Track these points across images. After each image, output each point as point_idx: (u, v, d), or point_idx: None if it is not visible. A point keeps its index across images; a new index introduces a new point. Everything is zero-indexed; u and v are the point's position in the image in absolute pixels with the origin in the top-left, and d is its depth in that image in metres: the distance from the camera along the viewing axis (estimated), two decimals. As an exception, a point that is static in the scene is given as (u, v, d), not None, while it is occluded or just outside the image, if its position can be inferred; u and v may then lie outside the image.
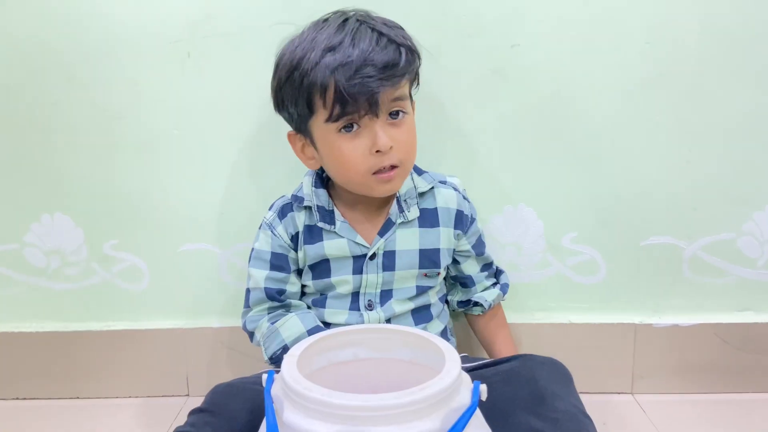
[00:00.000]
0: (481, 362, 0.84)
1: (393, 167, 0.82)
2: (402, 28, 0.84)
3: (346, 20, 0.81)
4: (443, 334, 0.94)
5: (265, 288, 0.89)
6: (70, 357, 1.10)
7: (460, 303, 1.00)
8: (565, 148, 1.03)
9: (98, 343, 1.09)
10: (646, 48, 0.99)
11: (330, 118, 0.79)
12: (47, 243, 1.08)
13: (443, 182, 0.93)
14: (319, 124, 0.81)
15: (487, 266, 0.98)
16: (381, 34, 0.79)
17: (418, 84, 0.88)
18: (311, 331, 0.85)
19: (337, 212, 0.89)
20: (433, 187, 0.91)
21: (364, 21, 0.81)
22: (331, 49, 0.77)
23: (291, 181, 0.96)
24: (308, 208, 0.89)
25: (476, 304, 0.98)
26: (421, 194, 0.91)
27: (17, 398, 1.11)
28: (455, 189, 0.93)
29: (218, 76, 1.01)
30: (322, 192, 0.90)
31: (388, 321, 0.88)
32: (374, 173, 0.82)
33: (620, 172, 1.03)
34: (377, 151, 0.80)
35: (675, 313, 1.07)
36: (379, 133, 0.79)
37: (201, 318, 1.09)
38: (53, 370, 1.10)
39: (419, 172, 0.93)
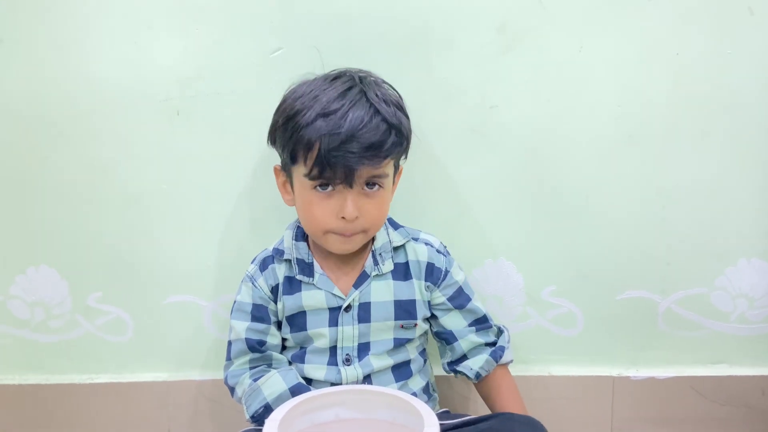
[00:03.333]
0: (459, 420, 0.85)
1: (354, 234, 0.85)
2: (401, 107, 0.86)
3: (351, 87, 0.83)
4: (425, 390, 0.94)
5: (246, 338, 0.89)
6: (52, 410, 1.09)
7: (450, 365, 0.96)
8: (543, 204, 1.05)
9: (80, 396, 1.08)
10: (618, 110, 1.02)
11: (308, 175, 0.82)
12: (31, 295, 1.08)
13: (416, 239, 0.95)
14: (299, 174, 0.84)
15: (477, 321, 0.95)
16: (377, 111, 0.81)
17: (406, 157, 0.91)
18: (293, 389, 0.85)
19: (316, 264, 0.90)
20: (407, 242, 0.93)
21: (366, 93, 0.83)
22: (325, 114, 0.80)
23: (274, 234, 0.98)
24: (288, 261, 0.91)
25: (475, 377, 0.94)
26: (396, 248, 0.92)
27: (-3, 451, 1.10)
28: (427, 244, 0.94)
29: (207, 134, 1.02)
30: (302, 245, 0.92)
31: (367, 377, 0.89)
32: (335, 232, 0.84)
33: (597, 227, 1.06)
34: (343, 217, 0.83)
35: (651, 366, 1.09)
36: (348, 203, 0.82)
37: (184, 370, 1.09)
38: (35, 422, 1.09)
39: (395, 226, 0.95)
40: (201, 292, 1.08)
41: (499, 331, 0.97)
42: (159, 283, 1.07)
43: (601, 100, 1.02)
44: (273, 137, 0.88)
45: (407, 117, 0.87)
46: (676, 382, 1.08)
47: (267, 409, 0.84)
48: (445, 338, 0.96)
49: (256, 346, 0.89)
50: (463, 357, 0.95)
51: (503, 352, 0.94)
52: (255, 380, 0.87)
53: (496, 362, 0.94)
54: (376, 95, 0.83)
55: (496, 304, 1.09)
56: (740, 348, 1.09)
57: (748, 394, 1.08)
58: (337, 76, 0.86)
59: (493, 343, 0.95)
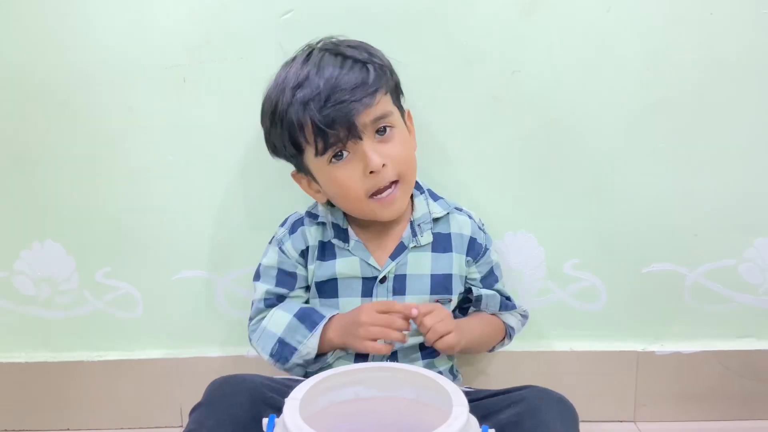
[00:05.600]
0: (489, 391, 0.83)
1: (394, 183, 0.82)
2: (368, 46, 0.84)
3: (310, 53, 0.82)
4: (450, 370, 0.92)
5: (265, 299, 0.89)
6: (60, 388, 1.07)
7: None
8: (566, 175, 1.02)
9: (90, 374, 1.07)
10: (646, 75, 0.98)
11: (317, 153, 0.79)
12: (37, 271, 1.05)
13: (459, 209, 0.92)
14: (311, 159, 0.82)
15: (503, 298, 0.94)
16: (345, 57, 0.80)
17: (402, 95, 0.88)
18: (299, 314, 0.84)
19: (351, 231, 0.88)
20: (448, 213, 0.91)
21: (326, 49, 0.81)
22: (299, 85, 0.78)
23: (289, 206, 0.96)
24: (322, 224, 0.88)
25: (475, 299, 0.92)
26: (436, 219, 0.90)
27: (6, 430, 1.08)
28: (470, 217, 0.92)
29: (215, 103, 0.99)
30: (338, 211, 0.89)
31: (394, 353, 0.86)
32: (373, 196, 0.81)
33: (622, 198, 1.03)
34: (371, 172, 0.79)
35: (677, 341, 1.06)
36: (368, 154, 0.79)
37: (196, 347, 1.07)
38: (43, 401, 1.08)
39: (435, 197, 0.92)
40: (212, 267, 1.06)
41: (522, 311, 0.96)
42: (169, 257, 1.05)
43: (629, 64, 0.98)
44: (271, 145, 0.86)
45: (379, 50, 0.84)
46: (703, 357, 1.05)
47: (281, 344, 0.83)
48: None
49: (275, 303, 0.88)
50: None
51: (513, 308, 0.93)
52: (260, 325, 0.88)
53: (500, 305, 0.92)
54: (338, 46, 0.82)
55: (516, 279, 1.06)
56: (768, 321, 1.06)
57: (776, 368, 1.06)
58: (294, 56, 0.84)
59: (511, 304, 0.94)
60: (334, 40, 0.84)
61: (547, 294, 1.07)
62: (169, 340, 1.08)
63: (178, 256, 1.05)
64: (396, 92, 0.86)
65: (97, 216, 1.03)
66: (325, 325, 0.82)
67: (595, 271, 1.05)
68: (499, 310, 0.93)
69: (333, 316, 0.84)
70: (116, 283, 1.06)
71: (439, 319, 0.79)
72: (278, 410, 0.63)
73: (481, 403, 0.77)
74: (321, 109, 0.76)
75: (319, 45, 0.83)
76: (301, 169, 0.86)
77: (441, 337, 0.79)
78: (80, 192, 1.03)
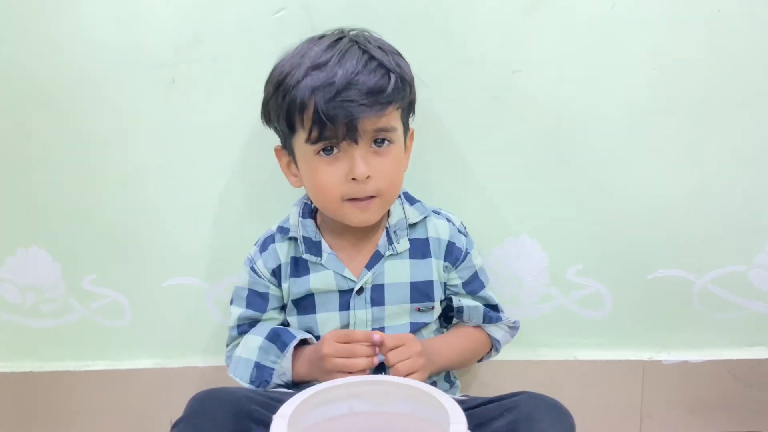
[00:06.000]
0: (483, 399, 0.79)
1: (371, 197, 0.79)
2: (399, 55, 0.81)
3: (340, 39, 0.78)
4: (447, 377, 0.89)
5: (238, 325, 0.86)
6: (47, 398, 1.04)
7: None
8: (569, 177, 0.99)
9: (77, 384, 1.04)
10: (652, 73, 0.95)
11: (308, 140, 0.76)
12: (23, 278, 1.02)
13: (437, 212, 0.89)
14: (300, 143, 0.79)
15: (489, 307, 0.89)
16: (372, 57, 0.76)
17: (413, 114, 0.85)
18: (270, 336, 0.82)
19: (324, 243, 0.85)
20: (426, 217, 0.87)
21: (357, 41, 0.78)
22: (316, 67, 0.75)
23: (284, 210, 0.92)
24: (294, 239, 0.85)
25: (457, 311, 0.88)
26: (412, 225, 0.86)
27: (-10, 442, 1.06)
28: (449, 220, 0.89)
29: (205, 103, 0.97)
30: (309, 222, 0.86)
31: (382, 364, 0.82)
32: (349, 200, 0.79)
33: (627, 202, 1.00)
34: (354, 179, 0.76)
35: (684, 349, 1.03)
36: (357, 161, 0.76)
37: (186, 357, 1.04)
38: (29, 412, 1.05)
39: (411, 201, 0.89)
40: (202, 274, 1.03)
41: (511, 323, 0.91)
42: (157, 264, 1.02)
43: (635, 62, 0.95)
44: (266, 112, 0.82)
45: (407, 63, 0.81)
46: (712, 366, 1.02)
47: (258, 368, 0.81)
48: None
49: (247, 330, 0.86)
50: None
51: (498, 320, 0.88)
52: (232, 353, 0.86)
53: (483, 317, 0.87)
54: (369, 42, 0.78)
55: (516, 286, 1.03)
56: (780, 329, 1.03)
57: (787, 378, 1.03)
58: (323, 35, 0.81)
59: (495, 313, 0.89)
60: (367, 34, 0.81)
61: (549, 301, 1.04)
62: (158, 349, 1.05)
63: (168, 263, 1.02)
64: (408, 109, 0.83)
65: (84, 221, 1.00)
66: (294, 357, 0.80)
67: (599, 277, 1.02)
68: (483, 322, 0.89)
69: (303, 340, 0.81)
70: (104, 290, 1.03)
71: (406, 356, 0.76)
72: (264, 425, 0.60)
73: (475, 412, 0.74)
74: (328, 100, 0.73)
75: (351, 34, 0.80)
76: (286, 147, 0.83)
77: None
78: (67, 196, 1.00)
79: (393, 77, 0.76)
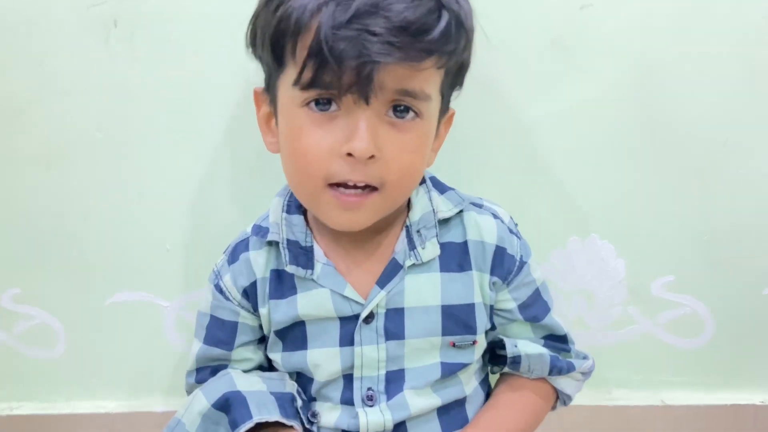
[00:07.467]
0: None
1: (368, 187, 0.58)
2: None
3: None
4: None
5: (197, 369, 0.70)
6: (-45, 453, 0.89)
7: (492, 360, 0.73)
8: (658, 157, 0.84)
9: (-3, 434, 0.88)
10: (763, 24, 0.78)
11: (297, 81, 0.56)
12: None
13: (478, 205, 0.68)
14: (286, 86, 0.59)
15: (554, 338, 0.71)
16: None
17: (460, 87, 0.65)
18: (219, 404, 0.64)
19: (317, 249, 0.65)
20: (462, 211, 0.66)
21: None
22: None
23: (263, 205, 0.73)
24: (275, 244, 0.66)
25: (512, 361, 0.70)
26: (444, 221, 0.66)
27: None
28: (495, 216, 0.67)
29: (159, 56, 0.80)
30: (297, 220, 0.65)
31: (401, 425, 0.66)
32: (333, 185, 0.58)
33: (735, 193, 0.85)
34: (349, 154, 0.55)
35: (812, 391, 0.86)
36: (360, 129, 0.56)
37: (138, 398, 0.91)
38: (-64, 468, 0.90)
39: (442, 189, 0.68)
40: (159, 288, 0.89)
41: (581, 357, 0.72)
42: (100, 275, 0.88)
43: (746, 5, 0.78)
44: (253, 33, 0.61)
45: (471, 7, 0.59)
46: None
47: None
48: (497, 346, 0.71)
49: (207, 377, 0.70)
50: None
51: (570, 369, 0.70)
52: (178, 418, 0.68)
53: (550, 368, 0.69)
54: None
55: (583, 302, 0.88)
56: None
57: None
58: None
59: (565, 360, 0.71)
60: None
61: (628, 325, 0.90)
62: (103, 388, 0.91)
63: (113, 273, 0.88)
64: (456, 76, 0.64)
65: (1, 216, 0.86)
66: None
67: (697, 293, 0.89)
68: (550, 375, 0.69)
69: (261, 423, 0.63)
70: (29, 309, 0.89)
71: None
72: None
73: None
74: (338, 25, 0.52)
75: None
76: (269, 91, 0.63)
77: None
78: (-25, 183, 0.84)
79: (446, 16, 0.55)
